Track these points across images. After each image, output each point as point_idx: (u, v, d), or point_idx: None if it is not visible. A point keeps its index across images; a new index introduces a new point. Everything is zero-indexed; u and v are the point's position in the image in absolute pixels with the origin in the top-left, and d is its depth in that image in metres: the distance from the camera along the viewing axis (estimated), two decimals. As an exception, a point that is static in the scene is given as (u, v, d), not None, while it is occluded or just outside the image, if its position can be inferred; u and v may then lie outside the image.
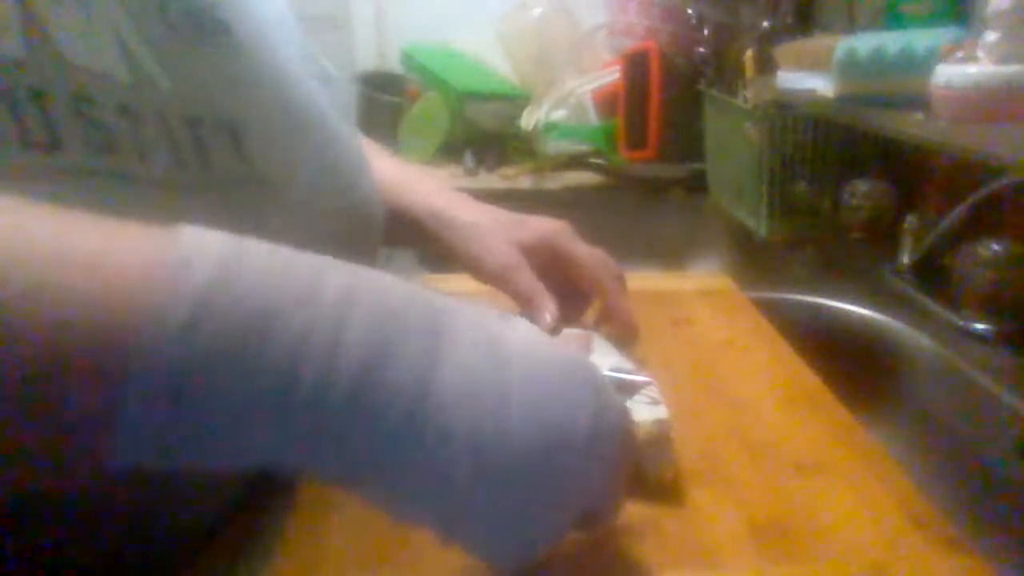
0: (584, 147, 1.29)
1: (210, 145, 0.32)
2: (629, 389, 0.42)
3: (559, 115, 1.31)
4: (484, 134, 1.36)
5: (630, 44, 1.27)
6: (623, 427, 0.32)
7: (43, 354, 0.21)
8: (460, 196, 0.56)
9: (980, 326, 0.61)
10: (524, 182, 1.25)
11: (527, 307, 0.50)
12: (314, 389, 0.24)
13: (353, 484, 0.27)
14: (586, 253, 0.52)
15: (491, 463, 0.26)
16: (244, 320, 0.23)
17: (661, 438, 0.40)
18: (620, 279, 0.52)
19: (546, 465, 0.27)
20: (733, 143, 0.96)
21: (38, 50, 0.28)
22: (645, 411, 0.40)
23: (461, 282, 0.62)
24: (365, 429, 0.25)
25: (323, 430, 0.25)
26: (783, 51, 0.84)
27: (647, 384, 0.42)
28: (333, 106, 0.44)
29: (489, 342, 0.28)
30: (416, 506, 0.27)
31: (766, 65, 0.90)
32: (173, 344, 0.22)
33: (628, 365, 0.46)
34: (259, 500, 0.41)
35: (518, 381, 0.27)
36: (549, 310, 0.49)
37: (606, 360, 0.45)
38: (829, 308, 0.71)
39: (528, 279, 0.51)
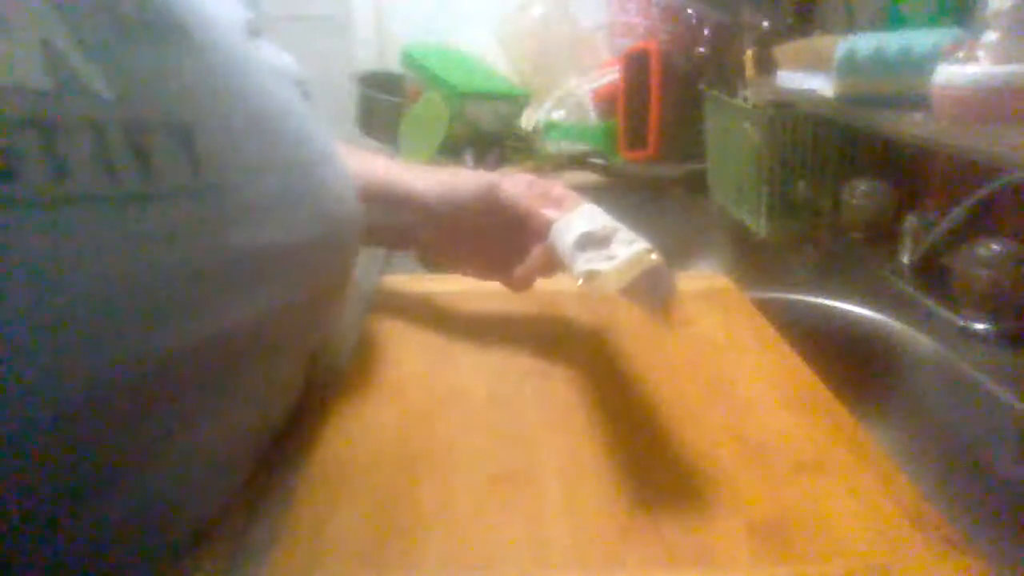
0: (584, 147, 1.29)
1: (156, 154, 0.31)
2: (601, 241, 0.45)
3: (559, 115, 1.31)
4: (484, 134, 1.36)
5: (630, 44, 1.27)
6: None
7: None
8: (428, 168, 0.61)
9: (980, 326, 0.61)
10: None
11: (532, 211, 0.53)
12: None
13: None
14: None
15: None
16: None
17: (658, 266, 0.41)
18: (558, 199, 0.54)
19: None
20: (733, 143, 0.96)
21: None
22: (626, 250, 0.43)
23: (458, 282, 0.63)
24: None
25: None
26: (783, 51, 0.84)
27: (616, 230, 0.45)
28: (305, 108, 0.43)
29: None
30: None
31: (766, 65, 0.90)
32: None
33: (601, 221, 0.48)
34: (255, 497, 0.41)
35: None
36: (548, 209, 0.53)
37: (588, 222, 0.47)
38: (829, 308, 0.71)
39: (524, 191, 0.54)
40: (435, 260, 0.62)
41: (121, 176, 0.29)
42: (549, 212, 0.52)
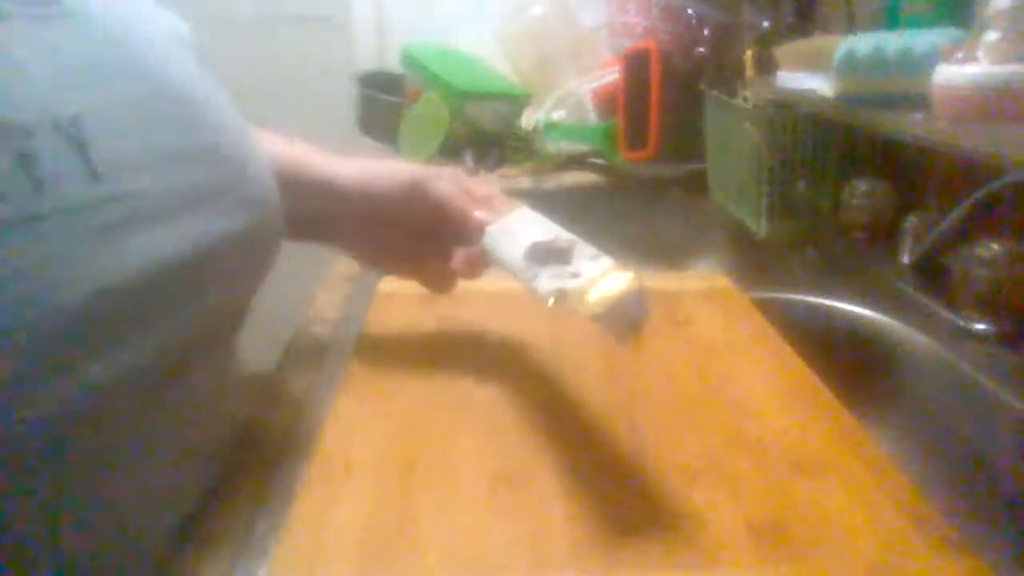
0: (584, 147, 1.29)
1: (43, 161, 0.26)
2: (561, 255, 0.41)
3: (559, 115, 1.31)
4: (484, 134, 1.36)
5: (630, 44, 1.27)
6: None
7: None
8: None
9: (980, 326, 0.61)
10: (524, 182, 1.25)
11: (462, 209, 0.50)
12: None
13: None
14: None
15: None
16: None
17: (639, 289, 0.37)
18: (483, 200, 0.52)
19: None
20: (733, 143, 0.96)
21: None
22: (592, 267, 0.39)
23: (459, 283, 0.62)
24: None
25: None
26: (783, 51, 0.84)
27: (574, 243, 0.42)
28: (209, 79, 0.38)
29: None
30: None
31: (766, 65, 0.90)
32: None
33: (551, 231, 0.44)
34: (256, 498, 0.41)
35: None
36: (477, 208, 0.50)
37: (536, 231, 0.44)
38: (829, 308, 0.71)
39: (451, 187, 0.52)
40: (352, 255, 0.58)
41: (7, 195, 0.24)
42: (481, 214, 0.50)
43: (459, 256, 0.53)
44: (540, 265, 0.41)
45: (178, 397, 0.34)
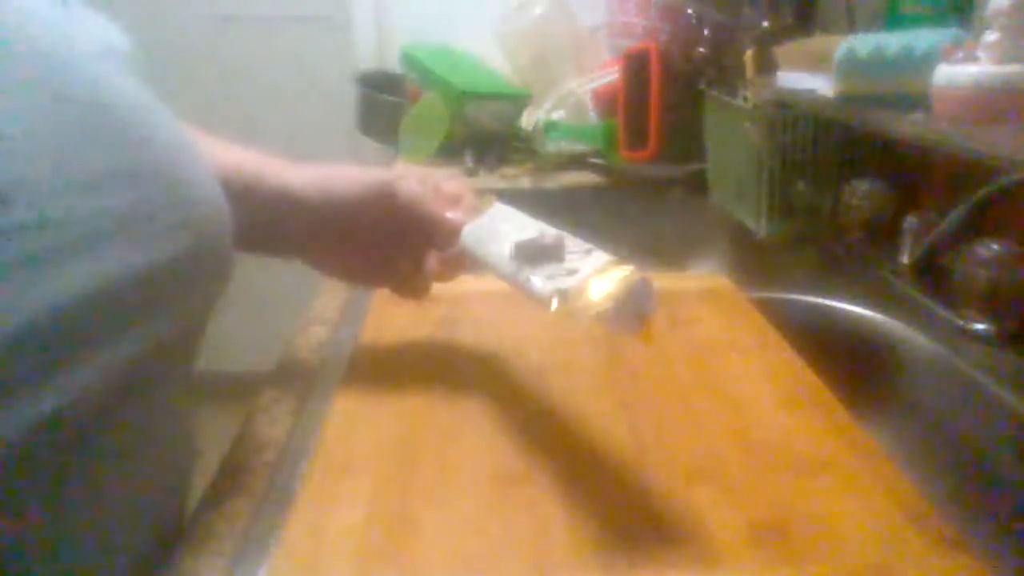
0: (584, 147, 1.29)
1: None
2: (553, 253, 0.39)
3: (559, 115, 1.31)
4: (484, 134, 1.36)
5: (630, 44, 1.27)
6: None
7: None
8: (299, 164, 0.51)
9: (980, 326, 0.61)
10: (524, 182, 1.25)
11: (433, 213, 0.49)
12: None
13: None
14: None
15: None
16: None
17: (643, 280, 0.35)
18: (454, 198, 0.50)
19: None
20: (733, 143, 0.96)
21: None
22: (587, 262, 0.37)
23: (459, 283, 0.62)
24: None
25: None
26: (783, 51, 0.84)
27: (562, 237, 0.40)
28: (141, 91, 0.34)
29: None
30: None
31: (766, 65, 0.90)
32: None
33: (534, 227, 0.43)
34: (255, 497, 0.41)
35: None
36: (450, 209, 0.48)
37: (518, 228, 0.42)
38: (829, 308, 0.71)
39: (420, 190, 0.49)
40: (316, 267, 0.55)
41: None
42: (454, 215, 0.48)
43: (433, 259, 0.51)
44: (531, 265, 0.40)
45: (114, 443, 0.32)
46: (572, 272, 0.38)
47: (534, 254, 0.40)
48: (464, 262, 0.49)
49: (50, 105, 0.28)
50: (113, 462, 0.32)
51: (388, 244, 0.52)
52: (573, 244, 0.40)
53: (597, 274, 0.37)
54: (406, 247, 0.52)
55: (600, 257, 0.39)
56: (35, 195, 0.26)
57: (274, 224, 0.49)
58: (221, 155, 0.46)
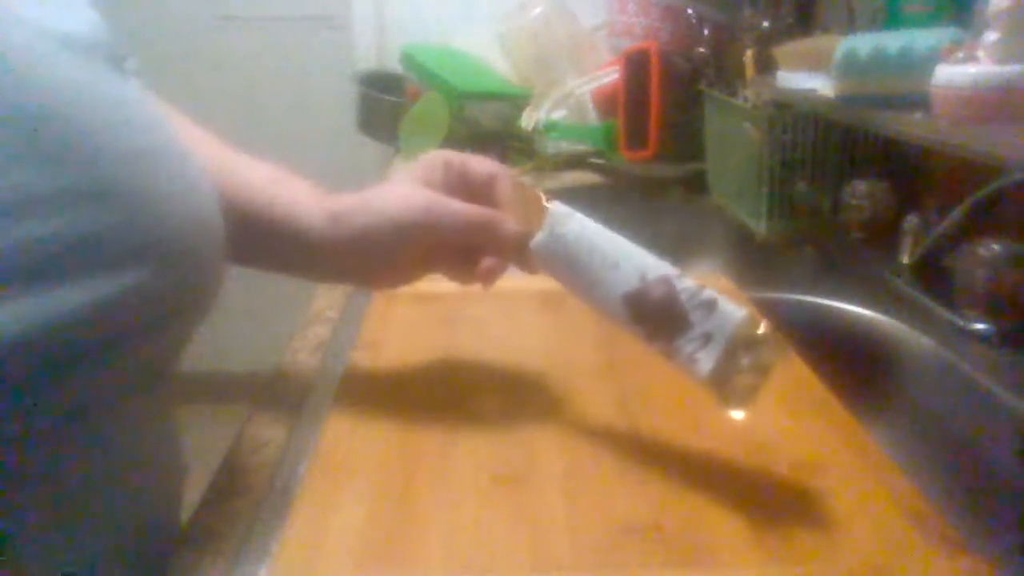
0: (584, 147, 1.29)
1: None
2: (669, 307, 0.37)
3: (559, 115, 1.31)
4: (484, 134, 1.36)
5: (630, 44, 1.27)
6: None
7: None
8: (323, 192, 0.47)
9: (980, 326, 0.61)
10: (524, 182, 1.25)
11: (486, 232, 0.44)
12: None
13: None
14: (476, 159, 0.46)
15: None
16: None
17: (771, 338, 0.35)
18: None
19: None
20: (733, 143, 0.96)
21: None
22: (719, 325, 0.36)
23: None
24: None
25: None
26: (783, 51, 0.84)
27: (668, 283, 0.38)
28: (120, 88, 0.31)
29: None
30: None
31: (766, 65, 0.90)
32: None
33: (614, 249, 0.41)
34: (255, 497, 0.41)
35: None
36: (505, 220, 0.44)
37: (601, 258, 0.40)
38: (829, 308, 0.71)
39: (465, 210, 0.44)
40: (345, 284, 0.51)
41: None
42: (513, 226, 0.44)
43: (487, 263, 0.45)
44: (649, 324, 0.37)
45: (79, 474, 0.30)
46: (707, 339, 0.36)
47: (649, 313, 0.37)
48: (533, 267, 0.45)
49: (43, 122, 0.25)
50: (81, 493, 0.30)
51: (432, 260, 0.48)
52: (690, 291, 0.37)
53: (751, 362, 0.35)
54: (455, 259, 0.47)
55: (729, 316, 0.36)
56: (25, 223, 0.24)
57: (284, 254, 0.46)
58: (245, 172, 0.43)
